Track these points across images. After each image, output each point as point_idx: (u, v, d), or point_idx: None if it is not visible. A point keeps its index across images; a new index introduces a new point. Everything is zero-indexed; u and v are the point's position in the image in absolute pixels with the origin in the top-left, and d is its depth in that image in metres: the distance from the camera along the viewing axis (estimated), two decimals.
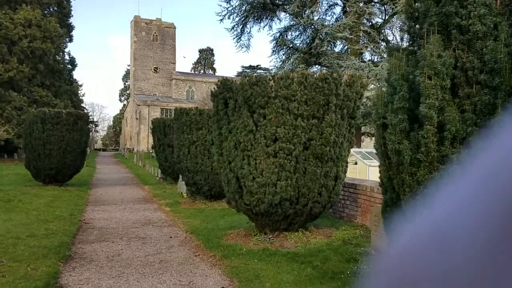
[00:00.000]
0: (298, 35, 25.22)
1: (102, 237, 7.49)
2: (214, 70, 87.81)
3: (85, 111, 31.14)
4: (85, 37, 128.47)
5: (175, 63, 65.46)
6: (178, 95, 63.86)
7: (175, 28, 65.81)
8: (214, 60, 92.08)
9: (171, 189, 14.92)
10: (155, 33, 63.72)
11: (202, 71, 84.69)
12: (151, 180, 18.54)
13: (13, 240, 6.54)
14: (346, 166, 6.99)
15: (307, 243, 6.46)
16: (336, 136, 6.38)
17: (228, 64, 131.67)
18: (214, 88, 7.14)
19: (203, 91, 63.65)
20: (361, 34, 22.15)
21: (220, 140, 6.92)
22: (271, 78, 6.12)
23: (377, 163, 16.27)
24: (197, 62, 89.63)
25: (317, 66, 22.88)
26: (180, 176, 14.47)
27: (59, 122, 13.85)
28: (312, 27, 22.73)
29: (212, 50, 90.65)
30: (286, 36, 25.37)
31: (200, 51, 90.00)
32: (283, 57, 24.43)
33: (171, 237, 7.54)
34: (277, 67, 28.38)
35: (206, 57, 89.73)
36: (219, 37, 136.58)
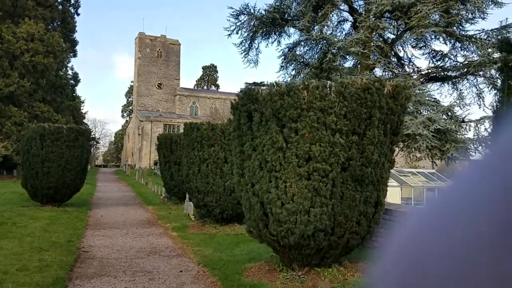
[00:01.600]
0: (307, 50, 24.62)
1: (103, 270, 6.50)
2: (217, 86, 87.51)
3: (87, 127, 30.31)
4: (88, 54, 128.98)
5: (179, 79, 65.11)
6: (181, 111, 63.29)
7: (179, 44, 65.70)
8: (218, 77, 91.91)
9: (176, 210, 13.94)
10: (159, 49, 63.56)
11: (205, 88, 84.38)
12: (155, 199, 17.55)
13: (0, 276, 5.57)
14: (386, 191, 6.06)
15: (345, 282, 5.47)
16: (378, 155, 5.47)
17: (232, 81, 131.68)
18: (234, 99, 6.27)
19: (207, 107, 63.12)
20: (373, 49, 21.49)
21: (242, 158, 6.01)
22: (304, 87, 5.25)
23: (396, 184, 15.17)
24: (201, 79, 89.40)
25: (327, 81, 22.14)
26: (187, 196, 13.51)
27: (59, 138, 12.99)
28: (324, 41, 22.11)
29: (215, 67, 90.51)
30: (295, 51, 24.79)
31: (204, 68, 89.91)
32: (293, 72, 23.73)
33: (181, 271, 6.55)
34: (286, 83, 27.38)
35: (209, 73, 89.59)
36: (222, 54, 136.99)
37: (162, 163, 15.03)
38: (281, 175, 5.37)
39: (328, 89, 5.21)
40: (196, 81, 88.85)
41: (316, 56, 23.85)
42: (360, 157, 5.33)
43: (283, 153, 5.32)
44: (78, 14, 36.83)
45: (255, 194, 5.75)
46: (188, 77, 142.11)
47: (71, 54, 36.15)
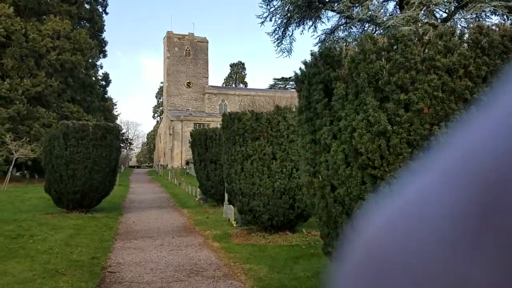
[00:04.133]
0: (348, 34, 22.62)
1: None
2: (245, 84, 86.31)
3: (116, 124, 29.49)
4: (116, 57, 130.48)
5: (207, 77, 64.21)
6: (211, 109, 62.35)
7: (207, 42, 64.77)
8: (246, 74, 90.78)
9: (214, 214, 12.40)
10: (187, 48, 62.84)
11: (233, 85, 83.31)
12: (190, 201, 16.12)
13: None
14: None
15: None
16: None
17: (259, 79, 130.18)
18: (299, 70, 4.55)
19: (236, 105, 61.77)
20: (426, 27, 19.11)
21: (314, 151, 4.28)
22: (419, 37, 3.45)
23: None
24: (229, 77, 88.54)
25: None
26: (226, 199, 11.94)
27: (84, 136, 11.70)
28: (367, 24, 19.99)
29: (243, 64, 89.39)
30: (334, 37, 22.84)
31: (231, 65, 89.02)
32: None
33: None
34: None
35: (237, 71, 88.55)
36: (249, 52, 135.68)
37: (196, 161, 13.52)
38: (383, 173, 3.59)
39: (458, 37, 3.38)
40: (224, 79, 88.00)
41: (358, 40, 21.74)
42: None
43: (386, 140, 3.55)
44: (106, 13, 36.17)
45: (338, 201, 4.01)
46: (216, 76, 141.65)
47: (100, 55, 35.51)
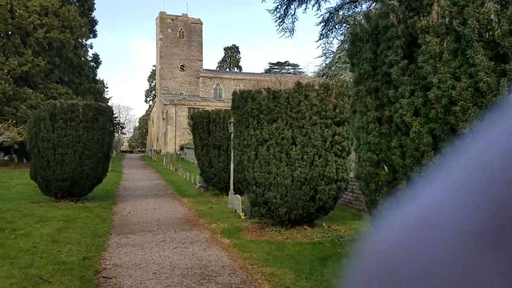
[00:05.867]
0: (352, 15, 21.49)
1: None
2: (240, 68, 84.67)
3: (108, 105, 28.09)
4: (106, 39, 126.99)
5: (202, 60, 62.49)
6: (205, 93, 60.84)
7: (201, 23, 62.87)
8: (240, 58, 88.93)
9: (218, 204, 11.39)
10: (181, 29, 60.91)
11: (228, 69, 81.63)
12: (189, 189, 15.06)
13: None
14: None
15: None
16: None
17: (253, 63, 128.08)
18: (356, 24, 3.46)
19: (232, 89, 60.38)
20: None
21: (379, 132, 3.24)
22: None
23: None
24: (223, 60, 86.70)
25: None
26: (231, 187, 10.93)
27: (74, 118, 10.52)
28: (377, 1, 18.83)
29: (237, 47, 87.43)
30: (337, 17, 21.72)
31: (225, 49, 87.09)
32: (341, 37, 20.64)
33: None
34: (328, 53, 24.76)
35: (231, 55, 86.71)
36: (243, 35, 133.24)
37: (198, 146, 12.42)
38: None
39: None
40: (218, 62, 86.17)
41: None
42: None
43: None
44: None
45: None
46: (209, 59, 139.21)
47: (90, 35, 33.80)
